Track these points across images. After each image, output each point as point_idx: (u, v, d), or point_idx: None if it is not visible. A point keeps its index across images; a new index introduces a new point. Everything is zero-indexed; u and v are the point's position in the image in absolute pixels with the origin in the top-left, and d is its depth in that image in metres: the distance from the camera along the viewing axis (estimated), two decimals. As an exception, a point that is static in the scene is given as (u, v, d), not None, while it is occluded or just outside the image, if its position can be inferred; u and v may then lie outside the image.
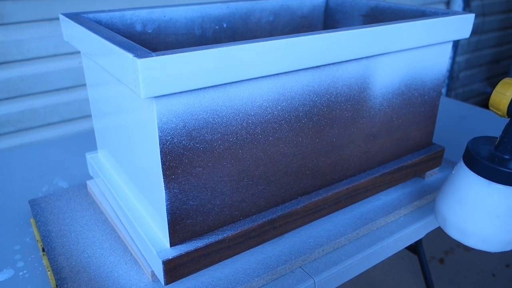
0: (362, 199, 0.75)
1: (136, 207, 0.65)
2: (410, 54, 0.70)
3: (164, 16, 0.75)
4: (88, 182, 0.81)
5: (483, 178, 0.58)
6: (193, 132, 0.53)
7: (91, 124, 1.46)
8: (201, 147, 0.54)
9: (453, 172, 0.63)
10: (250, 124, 0.57)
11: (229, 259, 0.63)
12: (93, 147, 1.01)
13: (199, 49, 0.48)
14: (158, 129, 0.50)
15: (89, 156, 0.80)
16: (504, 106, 0.58)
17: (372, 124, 0.72)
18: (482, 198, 0.59)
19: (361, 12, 0.88)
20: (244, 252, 0.64)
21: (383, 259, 0.71)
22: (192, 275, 0.61)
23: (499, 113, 0.59)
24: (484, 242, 0.60)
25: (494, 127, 1.08)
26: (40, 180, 0.89)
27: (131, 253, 0.66)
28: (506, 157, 0.59)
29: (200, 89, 0.51)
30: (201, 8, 0.79)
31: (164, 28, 0.76)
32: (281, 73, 0.57)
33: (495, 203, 0.58)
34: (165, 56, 0.46)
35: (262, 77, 0.55)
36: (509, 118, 0.59)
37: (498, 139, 0.60)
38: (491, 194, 0.58)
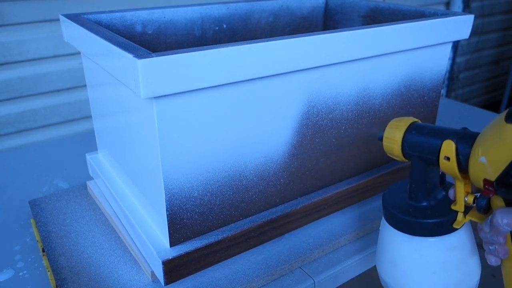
0: (362, 199, 0.75)
1: (136, 207, 0.65)
2: (410, 55, 0.70)
3: (164, 17, 0.75)
4: (88, 183, 0.81)
5: (405, 234, 0.52)
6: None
7: (91, 125, 1.46)
8: (201, 148, 0.54)
9: (380, 229, 0.57)
10: (250, 125, 0.57)
11: (229, 259, 0.64)
12: (93, 147, 1.01)
13: (199, 50, 0.48)
14: (158, 129, 0.50)
15: (89, 157, 0.80)
16: (398, 152, 0.52)
17: (372, 125, 0.72)
18: (410, 255, 0.52)
19: (360, 13, 0.88)
20: (244, 252, 0.65)
21: (382, 259, 0.71)
22: (191, 275, 0.61)
23: (397, 159, 0.53)
24: None
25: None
26: (40, 180, 0.89)
27: (131, 253, 0.66)
28: (422, 204, 0.52)
29: (200, 89, 0.51)
30: (201, 9, 0.79)
31: (164, 29, 0.76)
32: (280, 74, 0.57)
33: (425, 258, 0.51)
34: (165, 56, 0.46)
35: (262, 77, 0.55)
36: (409, 161, 0.53)
37: (409, 187, 0.53)
38: (418, 249, 0.51)
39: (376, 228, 0.73)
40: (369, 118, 0.71)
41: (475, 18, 0.71)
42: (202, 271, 0.62)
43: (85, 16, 0.68)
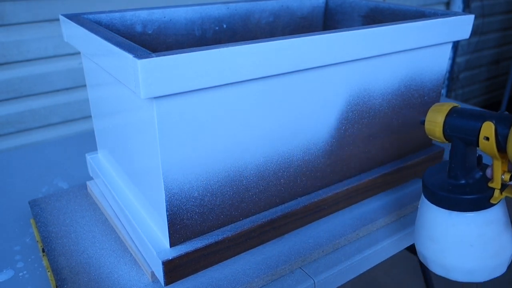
0: (362, 199, 0.75)
1: (136, 207, 0.65)
2: (410, 55, 0.70)
3: (164, 17, 0.75)
4: (88, 183, 0.81)
5: (444, 209, 0.56)
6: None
7: (91, 125, 1.46)
8: (201, 148, 0.54)
9: (418, 207, 0.61)
10: (250, 125, 0.57)
11: (229, 260, 0.63)
12: (93, 147, 1.01)
13: (199, 50, 0.48)
14: (158, 129, 0.50)
15: (89, 157, 0.80)
16: (440, 134, 0.57)
17: (372, 125, 0.72)
18: (449, 230, 0.56)
19: (360, 13, 0.88)
20: (244, 253, 0.65)
21: (383, 259, 0.71)
22: (192, 276, 0.61)
23: (438, 140, 0.58)
24: (469, 274, 0.56)
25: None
26: (40, 180, 0.89)
27: (131, 254, 0.66)
28: (461, 182, 0.56)
29: (200, 89, 0.51)
30: (201, 9, 0.79)
31: (164, 29, 0.76)
32: (280, 74, 0.57)
33: (463, 232, 0.55)
34: (165, 56, 0.46)
35: (262, 77, 0.55)
36: (450, 143, 0.57)
37: (448, 166, 0.57)
38: (456, 224, 0.55)
39: (376, 228, 0.73)
40: (369, 118, 0.71)
41: (475, 18, 0.71)
42: (202, 271, 0.62)
43: (85, 16, 0.68)
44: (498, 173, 0.53)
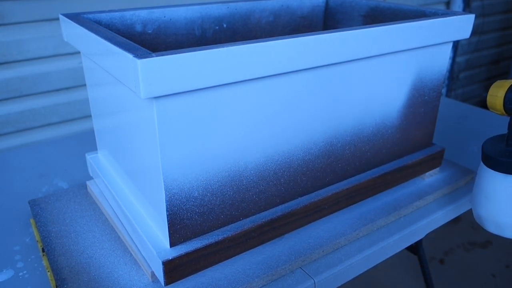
0: (362, 199, 0.75)
1: (136, 207, 0.65)
2: (410, 54, 0.70)
3: (164, 17, 0.75)
4: (88, 183, 0.81)
5: (500, 173, 0.63)
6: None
7: (91, 125, 1.46)
8: (201, 148, 0.54)
9: (477, 172, 0.69)
10: (250, 125, 0.57)
11: (229, 260, 0.63)
12: (93, 147, 1.01)
13: (199, 50, 0.48)
14: (158, 129, 0.50)
15: (89, 157, 0.80)
16: (500, 106, 0.64)
17: (372, 125, 0.72)
18: (504, 191, 0.64)
19: (361, 12, 0.88)
20: (244, 253, 0.64)
21: (383, 259, 0.71)
22: (192, 276, 0.61)
23: (498, 113, 0.65)
24: None
25: (494, 128, 1.08)
26: (40, 180, 0.89)
27: (131, 254, 0.66)
28: None
29: (200, 89, 0.51)
30: (201, 8, 0.79)
31: (164, 29, 0.76)
32: (280, 74, 0.57)
33: None
34: (165, 56, 0.46)
35: (262, 77, 0.55)
36: (509, 116, 0.64)
37: (506, 136, 0.65)
38: (510, 185, 0.63)
39: (376, 228, 0.73)
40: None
41: (476, 17, 0.71)
42: (202, 271, 0.62)
43: (85, 15, 0.68)
44: None
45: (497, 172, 0.64)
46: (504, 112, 0.64)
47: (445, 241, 1.81)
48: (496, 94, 0.64)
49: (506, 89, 0.64)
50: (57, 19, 1.30)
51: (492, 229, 0.67)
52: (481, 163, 0.67)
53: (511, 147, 0.65)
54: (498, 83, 0.65)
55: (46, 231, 0.71)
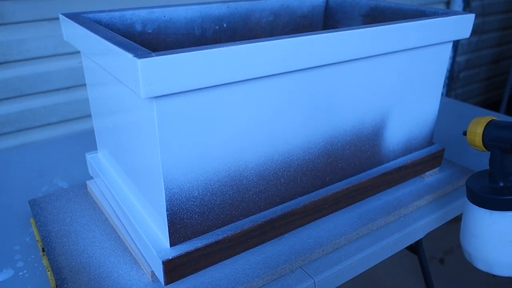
0: (362, 199, 0.75)
1: (136, 207, 0.65)
2: (410, 54, 0.70)
3: (164, 16, 0.75)
4: (88, 182, 0.81)
5: (485, 209, 0.62)
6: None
7: (91, 124, 1.46)
8: (201, 147, 0.54)
9: (464, 209, 0.68)
10: (250, 124, 0.57)
11: (229, 259, 0.63)
12: (93, 147, 1.01)
13: (199, 49, 0.48)
14: (158, 129, 0.50)
15: (89, 156, 0.80)
16: (479, 143, 0.65)
17: (372, 124, 0.72)
18: (491, 228, 0.62)
19: (361, 12, 0.88)
20: (244, 252, 0.64)
21: (383, 259, 0.71)
22: (192, 275, 0.61)
23: (478, 149, 0.66)
24: (510, 268, 0.63)
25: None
26: (40, 180, 0.89)
27: (131, 253, 0.66)
28: (500, 185, 0.63)
29: (200, 89, 0.51)
30: (201, 8, 0.79)
31: (164, 28, 0.76)
32: (280, 73, 0.57)
33: (503, 229, 0.61)
34: (165, 56, 0.46)
35: (262, 77, 0.55)
36: (489, 151, 0.65)
37: (488, 172, 0.65)
38: (496, 222, 0.62)
39: (376, 228, 0.73)
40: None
41: (475, 17, 0.71)
42: (202, 271, 0.61)
43: (85, 15, 0.68)
44: None
45: (482, 209, 0.63)
46: (484, 149, 0.65)
47: (445, 241, 1.81)
48: (475, 131, 0.65)
49: (484, 126, 0.65)
50: (57, 18, 1.30)
51: (481, 266, 0.65)
52: (466, 199, 0.66)
53: (494, 183, 0.64)
54: (476, 120, 0.66)
55: (46, 231, 0.71)
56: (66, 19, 0.66)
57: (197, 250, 0.58)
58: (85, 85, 1.40)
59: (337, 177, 0.72)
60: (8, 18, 1.23)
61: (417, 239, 0.76)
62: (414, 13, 0.78)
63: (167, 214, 0.55)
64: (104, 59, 0.55)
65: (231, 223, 0.62)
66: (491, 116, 0.66)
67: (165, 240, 0.58)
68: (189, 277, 0.61)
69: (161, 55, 0.46)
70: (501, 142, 0.63)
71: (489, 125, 0.65)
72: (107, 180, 0.72)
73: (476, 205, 0.64)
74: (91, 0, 1.32)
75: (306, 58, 0.57)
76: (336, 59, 0.60)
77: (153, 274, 0.61)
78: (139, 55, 0.45)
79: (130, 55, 0.46)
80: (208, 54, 0.48)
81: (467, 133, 0.67)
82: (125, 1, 1.36)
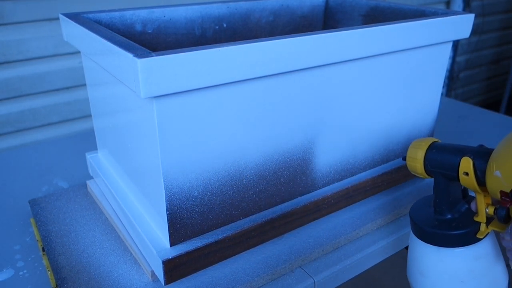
0: (362, 199, 0.75)
1: (136, 207, 0.65)
2: (410, 54, 0.70)
3: (164, 16, 0.75)
4: (88, 182, 0.81)
5: (432, 245, 0.54)
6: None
7: (91, 124, 1.46)
8: (201, 147, 0.54)
9: (409, 242, 0.60)
10: (250, 124, 0.57)
11: (229, 259, 0.63)
12: (93, 147, 1.00)
13: (199, 49, 0.48)
14: (158, 129, 0.50)
15: (89, 156, 0.80)
16: (421, 170, 0.57)
17: (372, 123, 0.72)
18: (438, 266, 0.54)
19: (361, 12, 0.88)
20: (244, 252, 0.64)
21: (383, 259, 0.71)
22: (192, 275, 0.61)
23: (420, 176, 0.58)
24: None
25: (494, 127, 1.08)
26: (40, 180, 0.89)
27: (131, 253, 0.66)
28: (447, 217, 0.55)
29: (200, 89, 0.51)
30: (201, 8, 0.79)
31: (164, 28, 0.76)
32: (280, 73, 0.57)
33: (453, 268, 0.54)
34: (165, 56, 0.46)
35: (262, 77, 0.55)
36: (432, 178, 0.57)
37: (433, 202, 0.57)
38: (444, 259, 0.54)
39: (376, 228, 0.73)
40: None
41: (475, 17, 0.71)
42: (202, 270, 0.62)
43: (85, 15, 0.68)
44: (482, 207, 0.51)
45: (427, 244, 0.55)
46: (426, 176, 0.57)
47: (445, 241, 1.81)
48: (415, 156, 0.56)
49: (425, 150, 0.56)
50: (57, 18, 1.30)
51: None
52: (411, 232, 0.58)
53: (440, 214, 0.55)
54: (415, 143, 0.58)
55: (46, 231, 0.71)
56: (66, 19, 0.66)
57: (197, 250, 0.58)
58: (85, 85, 1.39)
59: (337, 177, 0.72)
60: (8, 18, 1.23)
61: (417, 239, 0.76)
62: (414, 13, 0.78)
63: (167, 214, 0.55)
64: (104, 59, 0.55)
65: (231, 222, 0.62)
66: (432, 138, 0.58)
67: (165, 239, 0.58)
68: (189, 276, 0.61)
69: (161, 55, 0.46)
70: (445, 169, 0.53)
71: (431, 149, 0.56)
72: (107, 180, 0.72)
73: (421, 239, 0.55)
74: (91, 0, 1.32)
75: (306, 58, 0.57)
76: (336, 59, 0.60)
77: (153, 273, 0.61)
78: (139, 55, 0.45)
79: (130, 55, 0.46)
80: (208, 54, 0.48)
81: (407, 158, 0.58)
82: (125, 1, 1.36)
